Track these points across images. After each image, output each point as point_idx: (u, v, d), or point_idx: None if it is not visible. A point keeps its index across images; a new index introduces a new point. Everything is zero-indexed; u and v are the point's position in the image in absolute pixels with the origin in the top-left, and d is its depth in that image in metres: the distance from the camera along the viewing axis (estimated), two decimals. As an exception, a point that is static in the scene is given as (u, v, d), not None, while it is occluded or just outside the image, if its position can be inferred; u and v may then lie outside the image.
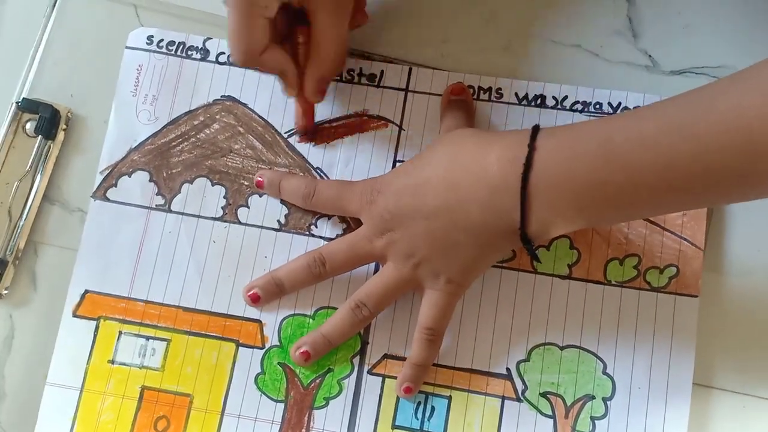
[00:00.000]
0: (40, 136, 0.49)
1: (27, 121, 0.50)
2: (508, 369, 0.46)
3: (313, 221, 0.48)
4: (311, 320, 0.47)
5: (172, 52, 0.51)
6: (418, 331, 0.44)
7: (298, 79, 0.46)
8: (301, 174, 0.49)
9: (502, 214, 0.40)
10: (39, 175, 0.49)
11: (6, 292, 0.48)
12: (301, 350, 0.45)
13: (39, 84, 0.51)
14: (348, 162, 0.49)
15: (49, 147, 0.49)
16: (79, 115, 0.51)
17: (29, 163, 0.49)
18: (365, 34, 0.51)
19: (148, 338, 0.47)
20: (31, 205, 0.49)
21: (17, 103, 0.50)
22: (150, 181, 0.49)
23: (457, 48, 0.51)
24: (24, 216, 0.48)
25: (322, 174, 0.49)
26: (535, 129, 0.40)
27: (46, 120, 0.49)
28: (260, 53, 0.44)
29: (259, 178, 0.48)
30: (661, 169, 0.36)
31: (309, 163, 0.49)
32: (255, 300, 0.47)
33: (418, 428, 0.45)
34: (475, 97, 0.49)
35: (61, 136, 0.50)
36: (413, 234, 0.43)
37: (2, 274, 0.48)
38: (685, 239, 0.47)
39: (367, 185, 0.45)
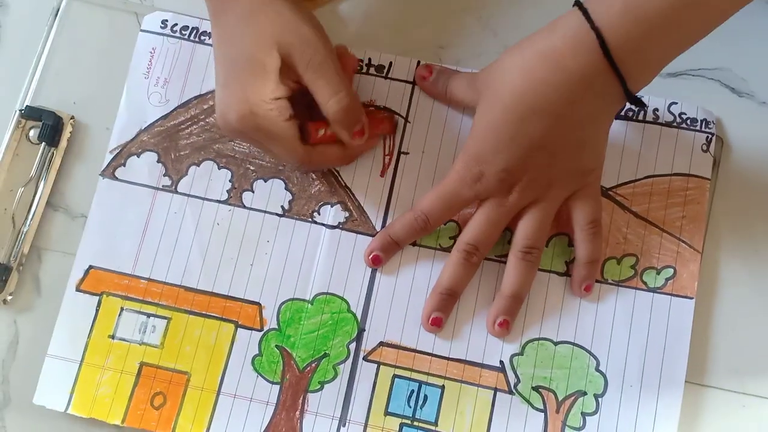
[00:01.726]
0: (43, 143, 0.50)
1: (30, 128, 0.50)
2: (501, 362, 0.46)
3: (316, 208, 0.49)
4: (310, 305, 0.47)
5: (186, 37, 0.52)
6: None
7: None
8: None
9: (606, 96, 0.42)
10: (42, 182, 0.50)
11: (10, 297, 0.48)
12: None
13: (42, 92, 0.52)
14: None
15: (53, 154, 0.50)
16: (81, 122, 0.51)
17: (33, 170, 0.50)
18: (362, 42, 0.51)
19: (149, 315, 0.48)
20: (34, 212, 0.49)
21: (20, 110, 0.50)
22: (158, 162, 0.50)
23: (453, 54, 0.51)
24: (28, 222, 0.49)
25: (327, 162, 0.50)
26: (583, 10, 0.41)
27: (49, 127, 0.50)
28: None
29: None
30: None
31: (315, 151, 0.50)
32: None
33: (411, 416, 0.46)
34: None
35: (64, 143, 0.50)
36: (539, 169, 0.44)
37: (6, 280, 0.48)
38: (684, 241, 0.47)
39: (463, 164, 0.45)
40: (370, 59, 0.51)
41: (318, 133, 0.46)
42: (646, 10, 0.39)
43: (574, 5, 0.42)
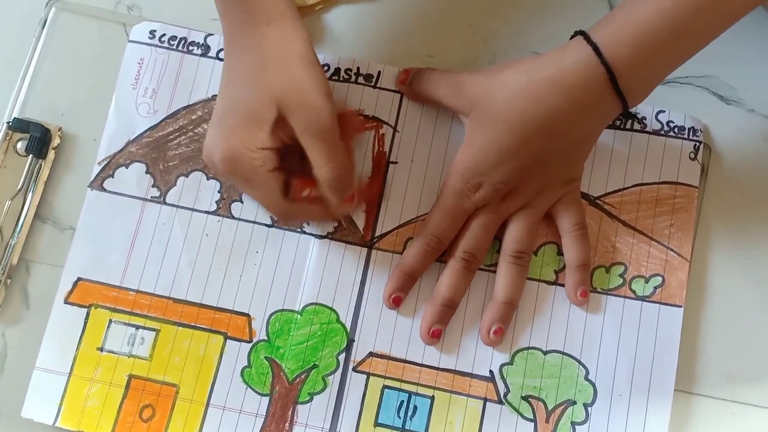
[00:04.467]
0: (31, 155, 0.50)
1: (18, 140, 0.50)
2: (491, 371, 0.46)
3: (305, 218, 0.49)
4: (299, 316, 0.47)
5: (174, 47, 0.51)
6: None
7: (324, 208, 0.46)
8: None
9: (607, 116, 0.44)
10: (30, 194, 0.49)
11: None
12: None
13: (29, 103, 0.51)
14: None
15: (40, 166, 0.50)
16: (69, 133, 0.51)
17: (20, 183, 0.49)
18: (351, 50, 0.51)
19: (137, 327, 0.47)
20: (22, 224, 0.49)
21: (8, 122, 0.50)
22: (146, 173, 0.50)
23: (443, 62, 0.51)
24: (16, 235, 0.49)
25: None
26: (592, 44, 0.42)
27: (37, 139, 0.49)
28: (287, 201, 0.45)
29: None
30: None
31: (303, 161, 0.50)
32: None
33: (400, 427, 0.46)
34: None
35: (51, 154, 0.50)
36: (534, 178, 0.45)
37: (-6, 294, 0.48)
38: (672, 249, 0.47)
39: (459, 177, 0.45)
40: (358, 68, 0.51)
41: (303, 193, 0.45)
42: (650, 40, 0.41)
43: (578, 34, 0.43)
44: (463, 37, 0.52)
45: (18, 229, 0.49)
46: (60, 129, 0.51)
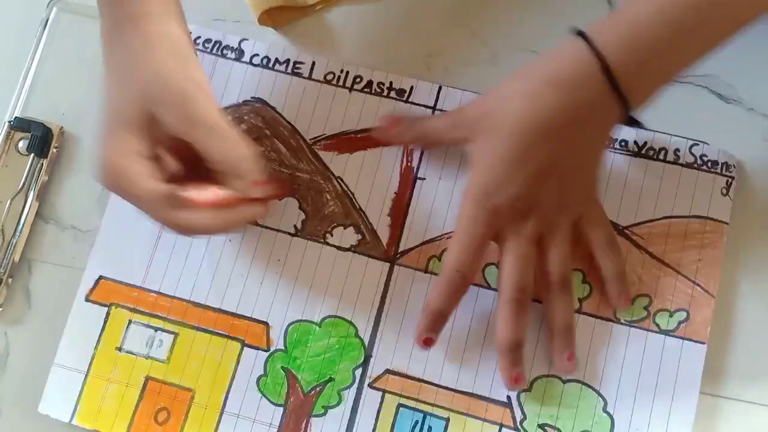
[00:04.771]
0: (32, 154, 0.50)
1: (19, 139, 0.50)
2: (508, 397, 0.46)
3: (329, 229, 0.49)
4: (318, 327, 0.47)
5: (208, 50, 0.51)
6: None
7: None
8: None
9: (609, 118, 0.43)
10: (32, 193, 0.50)
11: (0, 309, 0.48)
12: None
13: (31, 103, 0.52)
14: (369, 175, 0.49)
15: (42, 165, 0.50)
16: (71, 132, 0.51)
17: (22, 182, 0.50)
18: (352, 51, 0.51)
19: (156, 329, 0.47)
20: (24, 223, 0.49)
21: (9, 122, 0.51)
22: (173, 174, 0.50)
23: (443, 61, 0.51)
24: (17, 234, 0.49)
25: (341, 183, 0.49)
26: (585, 38, 0.41)
27: (39, 138, 0.50)
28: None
29: None
30: None
31: (331, 172, 0.50)
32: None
33: (413, 446, 0.45)
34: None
35: (53, 153, 0.50)
36: (550, 194, 0.44)
37: (-4, 292, 0.48)
38: (699, 285, 0.46)
39: (472, 203, 0.44)
40: (391, 83, 0.50)
41: (203, 196, 0.41)
42: (647, 36, 0.40)
43: (575, 33, 0.42)
44: (462, 37, 0.52)
45: (20, 228, 0.49)
46: (61, 128, 0.51)
